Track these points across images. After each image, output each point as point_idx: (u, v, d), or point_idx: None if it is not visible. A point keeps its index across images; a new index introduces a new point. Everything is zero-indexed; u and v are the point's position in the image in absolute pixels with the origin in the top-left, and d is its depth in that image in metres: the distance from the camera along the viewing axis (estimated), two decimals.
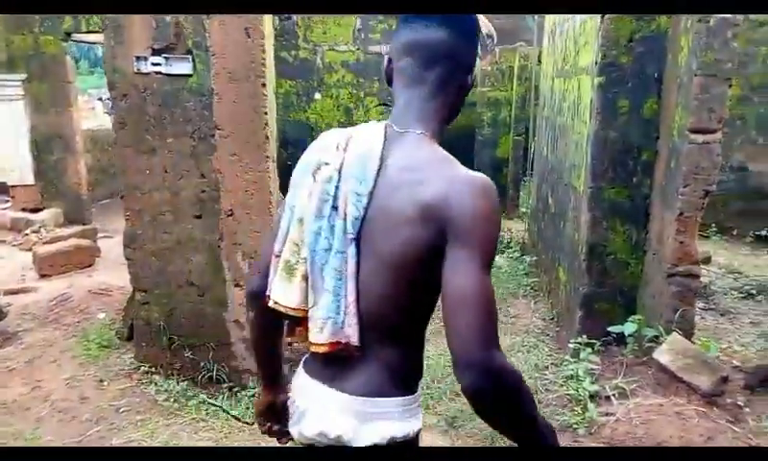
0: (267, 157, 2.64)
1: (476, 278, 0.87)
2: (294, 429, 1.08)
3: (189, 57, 2.37)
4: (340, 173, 0.98)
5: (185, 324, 2.54)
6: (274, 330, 1.13)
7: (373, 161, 0.96)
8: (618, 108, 2.57)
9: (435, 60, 1.00)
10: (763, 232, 4.84)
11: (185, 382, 2.54)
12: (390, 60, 1.02)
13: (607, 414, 2.19)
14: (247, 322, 1.30)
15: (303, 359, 1.09)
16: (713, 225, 4.79)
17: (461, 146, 8.15)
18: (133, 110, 2.40)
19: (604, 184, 2.63)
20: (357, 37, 4.74)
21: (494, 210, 0.90)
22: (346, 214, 0.96)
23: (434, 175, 0.93)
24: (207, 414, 2.40)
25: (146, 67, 2.37)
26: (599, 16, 2.60)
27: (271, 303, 1.01)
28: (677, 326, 2.32)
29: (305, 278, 0.99)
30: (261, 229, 2.52)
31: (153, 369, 2.60)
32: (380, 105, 4.83)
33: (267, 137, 2.62)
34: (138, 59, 2.36)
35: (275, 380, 1.21)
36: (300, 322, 1.02)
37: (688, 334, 2.33)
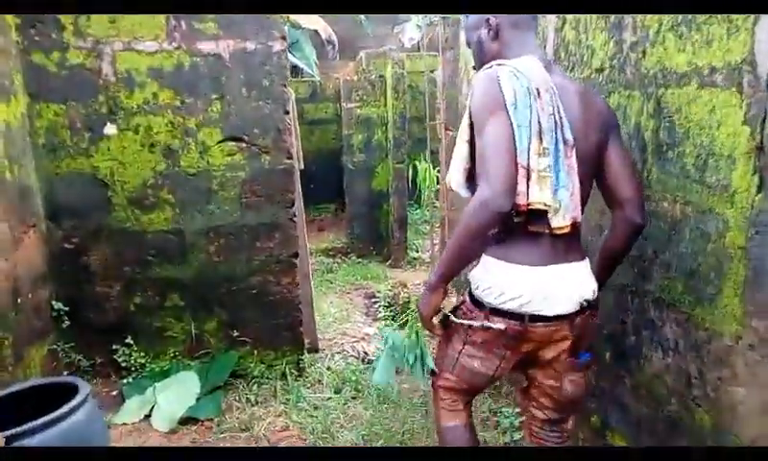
0: None
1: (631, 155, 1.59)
2: (548, 306, 1.41)
3: None
4: (551, 96, 1.38)
5: None
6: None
7: (552, 84, 1.41)
8: None
9: None
10: None
11: None
12: (490, 21, 1.52)
13: None
14: (478, 238, 1.35)
15: (500, 267, 1.43)
16: None
17: (324, 176, 6.36)
18: None
19: None
20: (175, 29, 2.79)
21: None
22: (563, 127, 1.38)
23: (593, 95, 1.54)
24: None
25: None
26: None
27: (536, 207, 1.35)
28: None
29: (551, 180, 1.36)
30: None
31: None
32: (226, 140, 2.92)
33: None
34: None
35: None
36: (545, 217, 1.38)
37: None
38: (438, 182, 4.76)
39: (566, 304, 1.42)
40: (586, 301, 1.46)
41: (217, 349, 3.11)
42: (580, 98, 1.46)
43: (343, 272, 5.57)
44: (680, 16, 1.42)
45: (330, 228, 7.39)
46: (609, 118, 1.51)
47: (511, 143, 1.32)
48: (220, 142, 2.92)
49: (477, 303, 1.49)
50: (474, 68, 1.68)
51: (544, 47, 2.20)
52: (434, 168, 5.04)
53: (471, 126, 1.45)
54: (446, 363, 1.63)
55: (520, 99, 1.34)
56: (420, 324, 1.66)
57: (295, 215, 3.06)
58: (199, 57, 2.84)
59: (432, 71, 5.42)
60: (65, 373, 2.92)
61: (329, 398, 2.98)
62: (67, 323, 2.93)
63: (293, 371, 3.19)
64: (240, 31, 2.84)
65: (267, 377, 3.12)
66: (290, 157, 3.00)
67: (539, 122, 1.35)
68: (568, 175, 1.40)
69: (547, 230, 1.40)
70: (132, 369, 3.03)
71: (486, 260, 1.49)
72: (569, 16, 1.99)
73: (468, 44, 1.66)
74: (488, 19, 1.53)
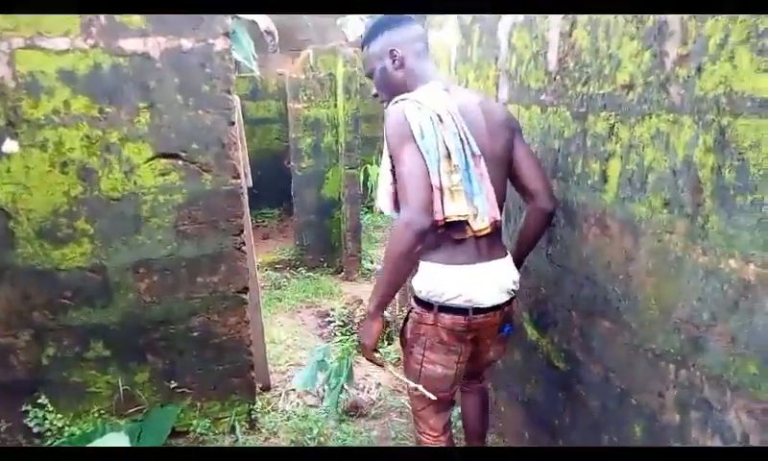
0: None
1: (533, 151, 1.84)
2: (485, 298, 1.64)
3: None
4: (453, 118, 1.58)
5: None
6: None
7: (454, 106, 1.61)
8: None
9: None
10: None
11: None
12: (395, 52, 1.70)
13: None
14: (407, 258, 1.51)
15: (438, 270, 1.62)
16: None
17: (267, 180, 5.85)
18: None
19: None
20: (91, 23, 2.27)
21: None
22: (469, 142, 1.59)
23: (493, 104, 1.79)
24: None
25: None
26: None
27: (453, 219, 1.57)
28: None
29: (463, 192, 1.57)
30: None
31: None
32: (158, 156, 2.44)
33: None
34: None
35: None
36: (463, 224, 1.60)
37: None
38: None
39: (499, 296, 1.67)
40: (512, 290, 1.72)
41: (151, 404, 2.62)
42: (482, 109, 1.68)
43: (292, 288, 5.13)
44: (761, 26, 1.10)
45: (275, 235, 6.90)
46: (511, 122, 1.75)
47: (423, 169, 1.51)
48: (150, 160, 2.43)
49: (425, 305, 1.67)
50: (375, 95, 1.86)
51: (545, 54, 1.87)
52: None
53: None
54: (412, 379, 1.78)
55: (426, 129, 1.53)
56: (361, 354, 1.78)
57: (243, 244, 2.61)
58: (121, 57, 2.33)
59: None
60: None
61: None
62: None
63: (243, 423, 2.75)
64: (173, 26, 2.35)
65: (213, 433, 2.67)
66: (236, 176, 2.55)
67: (445, 145, 1.55)
68: (481, 182, 1.62)
69: (471, 234, 1.62)
70: (48, 434, 2.50)
71: (424, 266, 1.67)
72: (581, 18, 1.66)
73: (370, 74, 1.81)
74: (392, 50, 1.71)
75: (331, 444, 2.65)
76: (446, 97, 1.63)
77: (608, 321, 1.66)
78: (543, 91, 1.89)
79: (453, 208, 1.56)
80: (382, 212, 1.83)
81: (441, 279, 1.61)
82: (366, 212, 6.84)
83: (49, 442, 2.48)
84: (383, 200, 1.71)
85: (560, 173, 1.84)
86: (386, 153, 1.65)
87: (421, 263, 1.67)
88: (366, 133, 6.64)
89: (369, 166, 6.37)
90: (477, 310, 1.64)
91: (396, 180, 1.57)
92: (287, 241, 6.37)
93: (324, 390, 3.08)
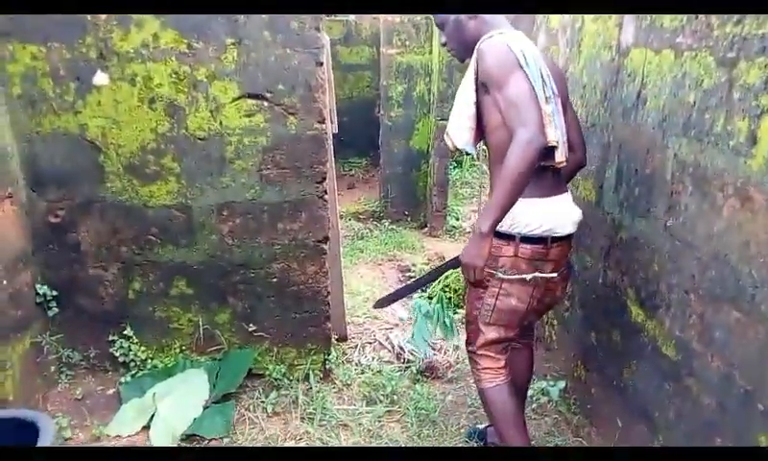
0: None
1: None
2: (561, 228, 1.73)
3: None
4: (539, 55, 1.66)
5: None
6: None
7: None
8: None
9: None
10: None
11: None
12: None
13: None
14: (526, 176, 1.51)
15: (522, 202, 1.57)
16: None
17: (356, 128, 5.71)
18: None
19: None
20: None
21: None
22: (551, 80, 1.65)
23: (551, 57, 2.30)
24: None
25: None
26: None
27: (552, 144, 1.61)
28: None
29: (554, 122, 1.63)
30: None
31: None
32: (244, 96, 2.35)
33: None
34: None
35: None
36: (553, 153, 1.66)
37: None
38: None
39: (571, 227, 1.77)
40: (578, 222, 1.80)
41: (230, 345, 2.64)
42: (548, 60, 1.78)
43: (375, 239, 5.04)
44: None
45: (361, 185, 6.83)
46: (564, 76, 1.94)
47: (532, 93, 1.55)
48: (236, 99, 2.35)
49: (504, 237, 1.71)
50: (443, 45, 1.92)
51: None
52: None
53: (477, 90, 1.69)
54: (482, 316, 1.84)
55: (529, 58, 1.58)
56: (468, 278, 1.72)
57: (325, 192, 2.51)
58: None
59: None
60: (52, 369, 2.50)
61: (359, 413, 2.51)
62: (55, 310, 2.48)
63: (317, 372, 2.71)
64: None
65: (288, 379, 2.66)
66: (322, 121, 2.42)
67: (542, 76, 1.61)
68: (560, 118, 1.69)
69: (551, 165, 1.69)
70: (132, 364, 2.59)
71: None
72: None
73: (441, 25, 1.86)
74: None
75: (404, 403, 2.56)
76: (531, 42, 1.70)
77: (738, 310, 1.40)
78: (680, 32, 1.59)
79: (553, 134, 1.62)
80: (456, 149, 1.82)
81: (525, 211, 1.65)
82: (455, 167, 6.60)
83: (133, 372, 2.57)
84: (463, 135, 1.75)
85: (692, 131, 1.56)
86: (470, 87, 1.70)
87: None
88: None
89: None
90: (554, 239, 1.72)
91: (489, 107, 1.64)
92: (372, 192, 6.29)
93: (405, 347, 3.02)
